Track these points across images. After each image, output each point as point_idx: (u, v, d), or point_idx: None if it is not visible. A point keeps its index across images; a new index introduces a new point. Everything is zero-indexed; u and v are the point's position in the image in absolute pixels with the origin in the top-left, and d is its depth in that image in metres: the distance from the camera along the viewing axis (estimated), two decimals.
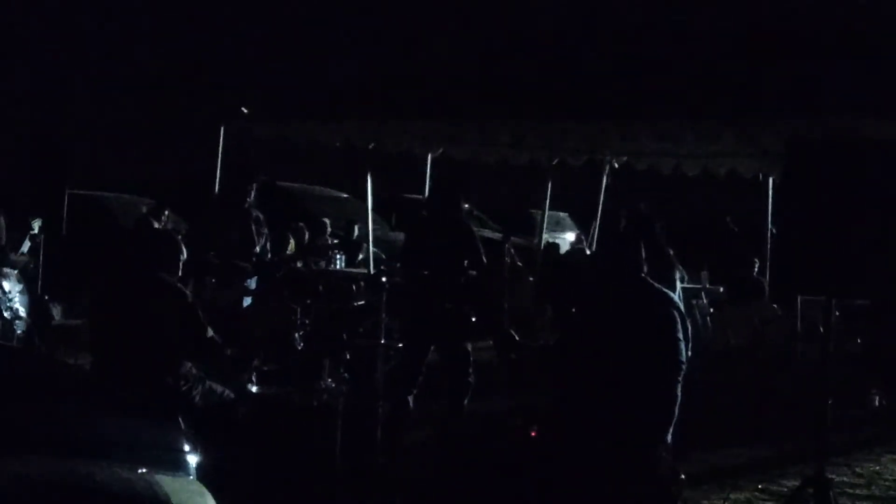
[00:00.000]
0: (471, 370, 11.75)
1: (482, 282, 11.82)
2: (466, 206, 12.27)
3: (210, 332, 9.40)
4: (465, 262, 11.61)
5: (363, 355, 11.13)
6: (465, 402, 11.74)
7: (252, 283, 13.63)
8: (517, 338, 9.76)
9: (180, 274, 9.65)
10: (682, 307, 8.77)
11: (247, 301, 13.48)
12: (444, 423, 11.60)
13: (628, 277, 8.53)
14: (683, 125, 15.24)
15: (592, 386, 8.41)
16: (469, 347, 11.83)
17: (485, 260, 11.90)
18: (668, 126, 15.42)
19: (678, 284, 10.59)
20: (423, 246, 12.16)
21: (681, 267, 11.11)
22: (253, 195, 13.76)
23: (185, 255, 9.72)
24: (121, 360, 9.12)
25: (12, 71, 35.18)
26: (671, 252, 11.19)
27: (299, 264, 16.10)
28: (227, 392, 9.60)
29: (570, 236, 27.08)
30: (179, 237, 10.28)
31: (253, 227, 13.59)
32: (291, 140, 18.32)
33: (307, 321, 11.37)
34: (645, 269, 8.54)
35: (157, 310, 9.27)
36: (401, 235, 24.37)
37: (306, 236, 19.39)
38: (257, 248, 13.59)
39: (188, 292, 9.57)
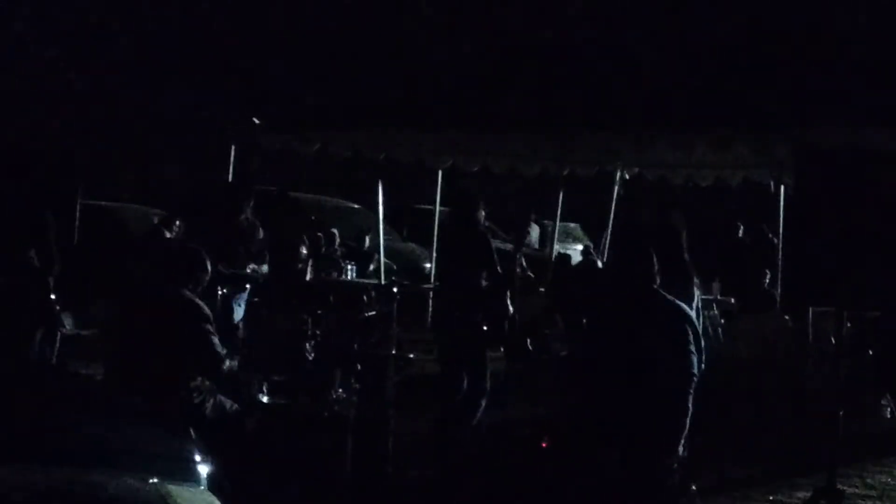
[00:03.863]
0: (486, 381, 11.76)
1: (495, 292, 11.85)
2: (484, 213, 12.31)
3: (218, 347, 9.45)
4: (483, 272, 11.67)
5: (374, 366, 11.14)
6: (479, 412, 11.74)
7: (243, 297, 13.70)
8: (530, 348, 9.78)
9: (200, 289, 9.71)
10: (695, 319, 8.76)
11: (238, 312, 13.54)
12: (456, 433, 11.60)
13: (640, 289, 8.52)
14: (695, 135, 15.24)
15: (603, 397, 8.40)
16: (486, 357, 11.85)
17: (498, 267, 11.95)
18: (679, 136, 15.42)
19: (696, 294, 10.56)
20: (444, 258, 12.38)
21: (697, 280, 11.08)
22: (249, 209, 13.87)
23: (210, 273, 9.79)
24: (137, 371, 9.14)
25: (23, 80, 35.21)
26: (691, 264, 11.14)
27: (309, 274, 16.12)
28: (234, 406, 9.62)
29: (581, 247, 27.09)
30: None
31: (243, 238, 13.69)
32: (302, 150, 18.33)
33: (318, 332, 11.36)
34: (658, 280, 8.52)
35: (177, 325, 9.30)
36: (412, 246, 24.47)
37: (323, 247, 19.36)
38: (247, 253, 13.66)
39: (206, 309, 9.59)
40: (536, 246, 26.25)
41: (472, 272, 11.71)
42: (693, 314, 9.04)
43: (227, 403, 9.52)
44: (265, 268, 13.92)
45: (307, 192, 27.26)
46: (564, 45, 19.57)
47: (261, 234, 14.05)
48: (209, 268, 9.75)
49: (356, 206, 26.45)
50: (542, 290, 19.30)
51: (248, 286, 13.75)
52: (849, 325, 11.69)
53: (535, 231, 27.23)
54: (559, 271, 20.25)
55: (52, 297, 12.77)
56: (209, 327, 9.43)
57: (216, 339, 9.47)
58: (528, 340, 14.60)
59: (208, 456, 6.84)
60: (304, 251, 17.05)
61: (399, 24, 37.87)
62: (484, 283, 11.74)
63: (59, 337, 13.14)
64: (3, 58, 35.23)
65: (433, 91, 17.48)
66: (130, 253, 17.02)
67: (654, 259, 8.57)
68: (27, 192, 12.35)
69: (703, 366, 8.47)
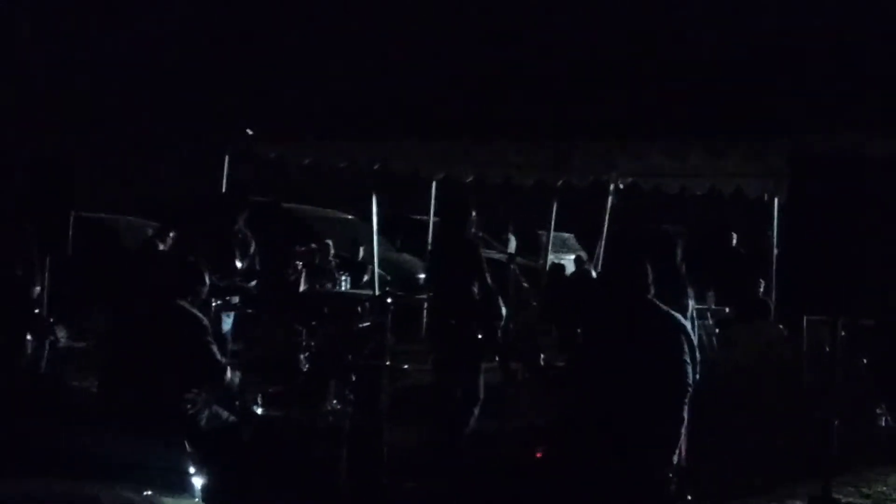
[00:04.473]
0: (478, 389, 11.74)
1: (488, 302, 11.83)
2: (475, 223, 12.29)
3: (219, 357, 9.45)
4: (474, 282, 11.65)
5: (368, 377, 11.12)
6: (472, 420, 11.72)
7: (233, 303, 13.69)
8: (537, 361, 9.79)
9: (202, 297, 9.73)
10: (689, 330, 8.76)
11: (227, 322, 13.53)
12: (451, 442, 11.58)
13: (634, 299, 8.51)
14: (689, 145, 15.26)
15: (598, 407, 8.40)
16: (479, 365, 11.83)
17: (489, 280, 11.91)
18: (674, 145, 15.45)
19: (690, 304, 10.57)
20: (435, 268, 12.38)
21: (691, 290, 11.09)
22: (243, 219, 13.88)
23: (208, 285, 9.81)
24: (133, 383, 9.13)
25: (16, 90, 35.23)
26: (686, 275, 11.14)
27: (303, 286, 16.12)
28: (230, 417, 9.61)
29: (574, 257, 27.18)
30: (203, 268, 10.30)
31: (236, 249, 13.67)
32: (296, 161, 18.34)
33: (312, 343, 11.36)
34: (652, 290, 8.52)
35: (174, 337, 9.29)
36: (406, 257, 24.47)
37: (316, 258, 19.36)
38: (239, 264, 13.65)
39: (206, 321, 9.60)
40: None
41: (463, 281, 11.69)
42: (688, 324, 9.04)
43: (223, 414, 9.51)
44: (253, 283, 13.91)
45: (301, 202, 27.27)
46: (558, 55, 19.61)
47: (253, 246, 14.04)
48: (207, 280, 9.78)
49: (350, 216, 26.46)
50: (536, 301, 19.31)
51: (236, 298, 13.74)
52: (843, 333, 11.69)
53: (512, 242, 27.54)
54: (553, 281, 20.27)
55: (37, 310, 12.78)
56: (209, 338, 9.43)
57: (216, 349, 9.48)
58: (536, 349, 14.58)
59: (203, 467, 6.84)
60: (298, 262, 17.08)
61: (394, 35, 37.90)
62: (476, 292, 11.72)
63: (47, 348, 13.12)
64: None
65: (427, 101, 17.51)
66: (125, 265, 17.00)
67: (649, 269, 8.57)
68: (10, 203, 12.36)
69: (697, 375, 8.47)
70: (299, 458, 9.72)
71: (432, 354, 12.27)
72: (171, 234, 16.95)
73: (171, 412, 9.01)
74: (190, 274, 9.79)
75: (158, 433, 7.58)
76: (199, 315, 9.54)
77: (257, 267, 14.10)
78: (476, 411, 11.73)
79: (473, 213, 12.08)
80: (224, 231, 13.75)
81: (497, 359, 13.00)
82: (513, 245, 27.31)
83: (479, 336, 11.65)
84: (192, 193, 23.93)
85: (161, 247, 16.39)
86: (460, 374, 11.72)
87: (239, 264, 13.65)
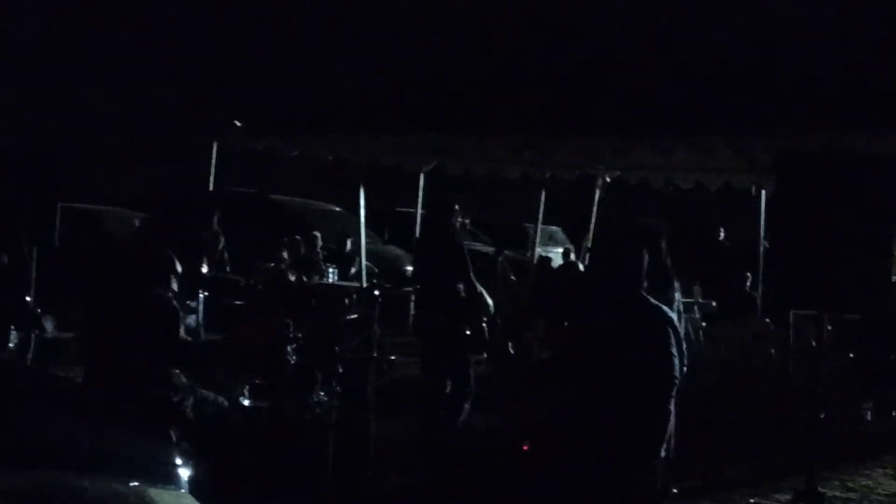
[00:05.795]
0: (470, 384, 11.75)
1: (474, 296, 11.84)
2: (464, 220, 12.27)
3: (182, 335, 9.48)
4: (459, 283, 11.65)
5: (356, 369, 11.12)
6: (463, 415, 11.73)
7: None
8: (512, 352, 9.79)
9: (175, 288, 9.72)
10: (676, 323, 8.76)
11: (190, 318, 13.57)
12: (439, 436, 11.60)
13: (623, 292, 8.52)
14: (676, 139, 15.26)
15: (585, 400, 8.40)
16: (468, 361, 11.83)
17: (472, 275, 11.90)
18: (660, 140, 15.44)
19: (677, 297, 10.58)
20: (420, 268, 12.38)
21: (677, 283, 11.10)
22: (216, 219, 13.93)
23: (181, 271, 9.81)
24: (112, 372, 9.13)
25: (5, 82, 35.16)
26: (671, 268, 11.14)
27: (292, 277, 16.12)
28: (219, 399, 9.62)
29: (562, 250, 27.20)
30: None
31: (202, 247, 13.73)
32: (284, 154, 18.32)
33: (300, 335, 11.35)
34: (645, 284, 8.52)
35: (150, 323, 9.29)
36: (393, 249, 24.49)
37: (301, 249, 19.39)
38: (204, 268, 13.69)
39: (177, 306, 9.61)
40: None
41: (449, 283, 11.69)
42: (675, 317, 9.05)
43: (211, 397, 9.52)
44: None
45: (289, 194, 27.26)
46: (545, 49, 19.58)
47: (222, 243, 14.09)
48: (178, 267, 9.79)
49: (338, 208, 26.47)
50: (524, 294, 19.32)
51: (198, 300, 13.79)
52: (829, 327, 11.71)
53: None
54: (541, 274, 20.30)
55: (27, 298, 12.77)
56: (176, 321, 9.47)
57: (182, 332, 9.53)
58: (510, 343, 14.61)
59: (189, 458, 6.84)
60: (285, 254, 17.09)
61: (381, 28, 37.87)
62: (462, 290, 11.71)
63: (33, 339, 13.11)
64: None
65: (415, 94, 17.48)
66: (112, 256, 17.00)
67: (644, 263, 8.56)
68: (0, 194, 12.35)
69: (684, 369, 8.47)
70: (286, 449, 9.72)
71: (420, 350, 12.28)
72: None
73: (153, 400, 9.01)
74: (163, 262, 9.80)
75: (144, 423, 7.58)
76: (172, 301, 9.56)
77: (227, 261, 14.17)
78: (467, 406, 11.74)
79: (456, 207, 12.06)
80: (202, 230, 13.79)
81: (485, 355, 13.02)
82: None
83: (467, 332, 11.66)
84: (171, 189, 23.99)
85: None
86: (450, 371, 11.74)
87: (205, 268, 13.68)
